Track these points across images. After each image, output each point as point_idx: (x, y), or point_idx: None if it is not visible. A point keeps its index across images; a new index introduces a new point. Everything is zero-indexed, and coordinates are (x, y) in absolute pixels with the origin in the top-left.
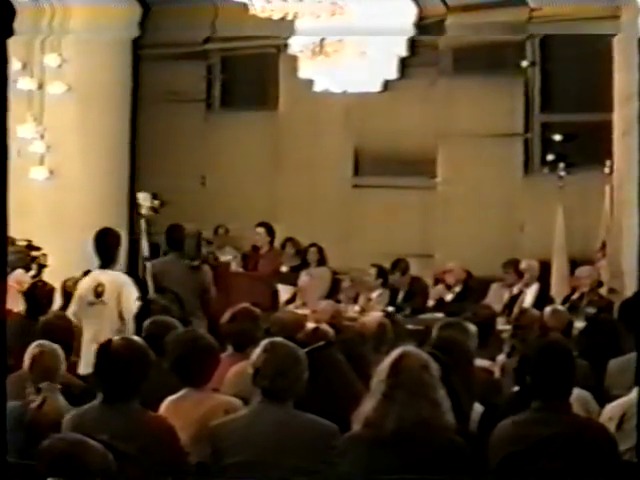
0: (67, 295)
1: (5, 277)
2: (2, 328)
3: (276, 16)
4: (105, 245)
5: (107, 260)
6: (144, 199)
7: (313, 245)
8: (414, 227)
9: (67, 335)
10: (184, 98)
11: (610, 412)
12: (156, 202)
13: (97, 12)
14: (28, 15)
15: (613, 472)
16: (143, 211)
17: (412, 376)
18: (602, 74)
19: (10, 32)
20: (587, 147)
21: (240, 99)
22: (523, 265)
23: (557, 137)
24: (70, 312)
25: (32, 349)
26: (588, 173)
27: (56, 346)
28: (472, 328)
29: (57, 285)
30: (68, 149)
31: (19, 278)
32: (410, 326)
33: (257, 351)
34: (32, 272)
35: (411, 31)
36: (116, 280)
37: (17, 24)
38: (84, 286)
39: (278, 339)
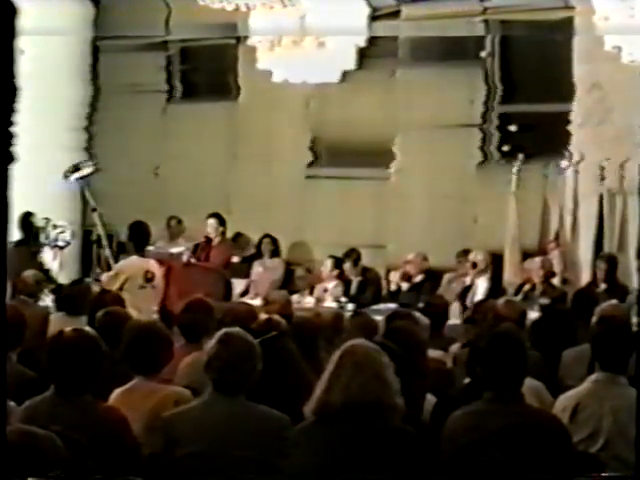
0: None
1: None
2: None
3: (229, 7)
4: (142, 235)
5: (143, 248)
6: None
7: (267, 236)
8: (368, 218)
9: (18, 324)
10: (144, 89)
11: (564, 402)
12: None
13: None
14: None
15: (566, 463)
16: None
17: (360, 357)
18: (561, 64)
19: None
20: (545, 138)
21: (201, 90)
22: (472, 256)
23: (513, 128)
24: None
25: None
26: (546, 164)
27: None
28: (423, 318)
29: None
30: (24, 141)
31: None
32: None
33: (212, 341)
34: None
35: (365, 26)
36: (158, 268)
37: None
38: (133, 270)
39: (235, 330)
